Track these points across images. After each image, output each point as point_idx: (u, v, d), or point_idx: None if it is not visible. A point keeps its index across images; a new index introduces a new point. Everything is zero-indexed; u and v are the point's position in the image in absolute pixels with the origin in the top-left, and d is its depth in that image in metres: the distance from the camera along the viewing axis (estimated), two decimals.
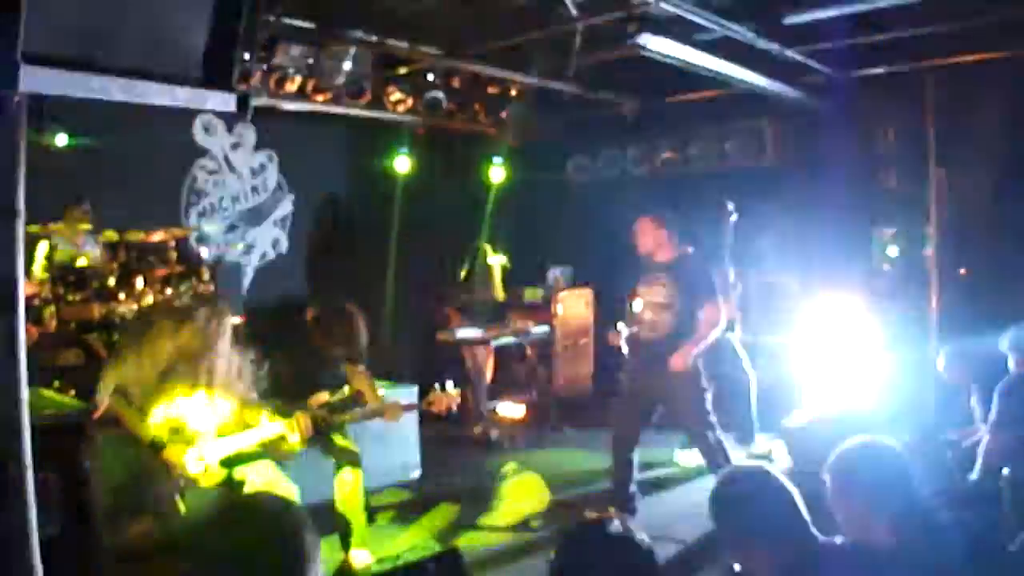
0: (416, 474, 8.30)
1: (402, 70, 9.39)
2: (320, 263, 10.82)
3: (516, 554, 6.64)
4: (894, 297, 9.69)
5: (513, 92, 10.86)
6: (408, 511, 7.38)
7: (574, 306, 11.85)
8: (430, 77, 9.97)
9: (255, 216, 10.87)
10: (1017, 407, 6.08)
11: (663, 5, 7.03)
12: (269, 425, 5.79)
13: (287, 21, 7.78)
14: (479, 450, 9.47)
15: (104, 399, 5.64)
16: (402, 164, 11.38)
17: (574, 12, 7.37)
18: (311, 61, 8.64)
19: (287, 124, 10.18)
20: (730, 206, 9.30)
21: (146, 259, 8.48)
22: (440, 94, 10.15)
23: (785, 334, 10.20)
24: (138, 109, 8.26)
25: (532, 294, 11.78)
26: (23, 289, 3.29)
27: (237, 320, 6.44)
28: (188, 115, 9.78)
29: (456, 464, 8.81)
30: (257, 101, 8.60)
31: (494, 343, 10.30)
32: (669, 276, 7.27)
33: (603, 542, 2.66)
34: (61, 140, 8.36)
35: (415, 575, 3.93)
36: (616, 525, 2.70)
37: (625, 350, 7.56)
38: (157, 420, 5.54)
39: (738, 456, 8.75)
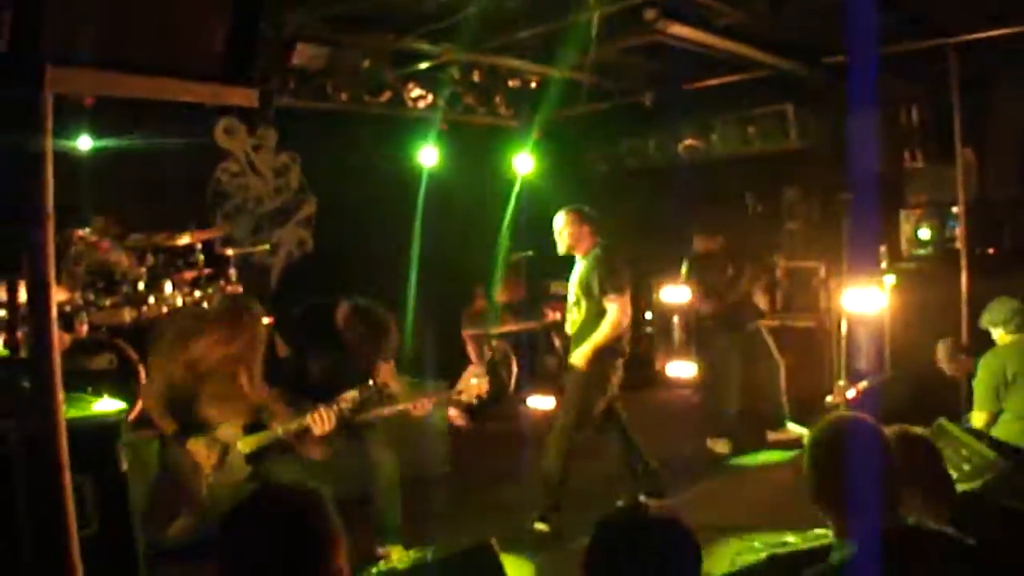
0: (446, 468, 8.31)
1: (421, 66, 9.38)
2: (345, 262, 10.84)
3: (550, 544, 6.64)
4: (924, 278, 9.63)
5: (533, 84, 10.84)
6: (440, 505, 7.38)
7: None
8: (449, 72, 9.97)
9: (280, 217, 10.91)
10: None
11: None
12: (294, 420, 5.84)
13: (305, 21, 7.78)
14: (509, 443, 9.46)
15: (143, 401, 5.70)
16: (429, 156, 11.37)
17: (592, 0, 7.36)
18: (330, 61, 8.65)
19: (308, 124, 10.21)
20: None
21: (174, 263, 8.52)
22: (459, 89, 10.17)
23: (813, 318, 10.18)
24: (161, 113, 8.36)
25: (559, 285, 11.75)
26: (54, 293, 3.30)
27: (266, 320, 6.45)
28: (210, 118, 9.82)
29: (487, 457, 8.81)
30: (278, 102, 8.63)
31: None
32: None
33: (643, 526, 2.65)
34: (85, 144, 8.39)
35: (447, 568, 3.95)
36: (656, 509, 2.69)
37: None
38: (190, 420, 5.59)
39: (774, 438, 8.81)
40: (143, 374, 7.50)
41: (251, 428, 5.84)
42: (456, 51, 8.74)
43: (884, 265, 9.71)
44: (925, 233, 9.76)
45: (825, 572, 2.94)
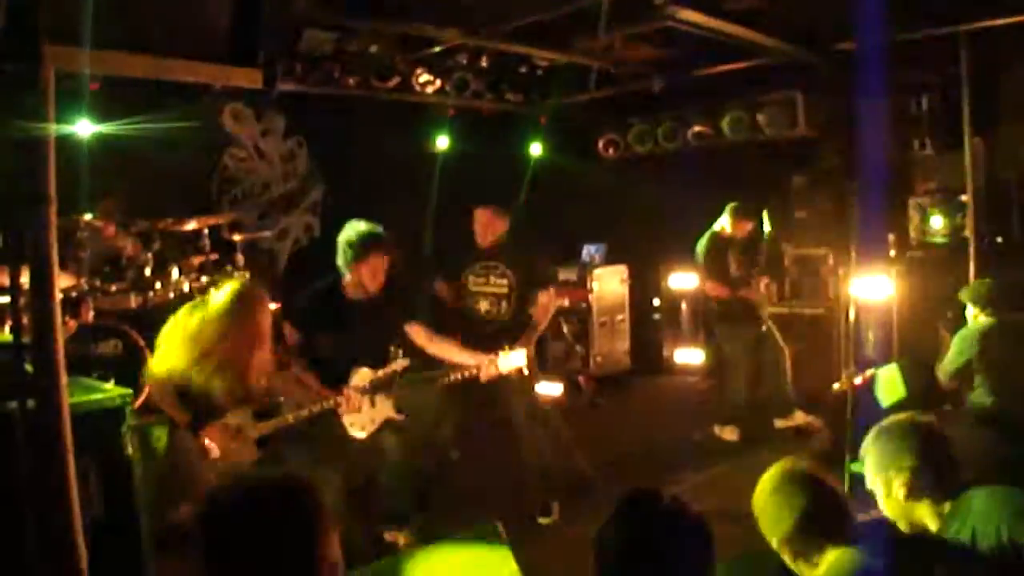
0: (455, 455, 8.30)
1: (430, 51, 9.35)
2: None
3: (559, 530, 6.63)
4: (933, 266, 9.60)
5: (541, 70, 10.80)
6: (446, 488, 7.36)
7: (609, 283, 11.81)
8: (458, 58, 9.94)
9: (287, 202, 10.89)
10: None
11: None
12: (307, 404, 5.85)
13: (313, 5, 7.75)
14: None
15: (152, 392, 5.69)
16: (440, 143, 11.40)
17: None
18: (338, 45, 8.62)
19: (316, 110, 10.18)
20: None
21: (180, 248, 8.51)
22: (468, 75, 10.14)
23: (821, 306, 10.15)
24: (167, 97, 8.33)
25: (567, 271, 11.74)
26: (57, 276, 3.29)
27: (273, 306, 6.43)
28: (217, 103, 9.80)
29: (493, 442, 8.79)
30: (285, 87, 8.60)
31: None
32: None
33: (657, 513, 2.63)
34: (82, 138, 8.31)
35: (457, 551, 3.93)
36: (668, 497, 2.68)
37: None
38: (201, 408, 5.58)
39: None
40: (150, 360, 7.48)
41: (260, 413, 5.83)
42: (465, 36, 8.70)
43: (892, 253, 9.68)
44: (937, 221, 9.70)
45: None
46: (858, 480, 3.60)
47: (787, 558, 3.18)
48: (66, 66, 2.84)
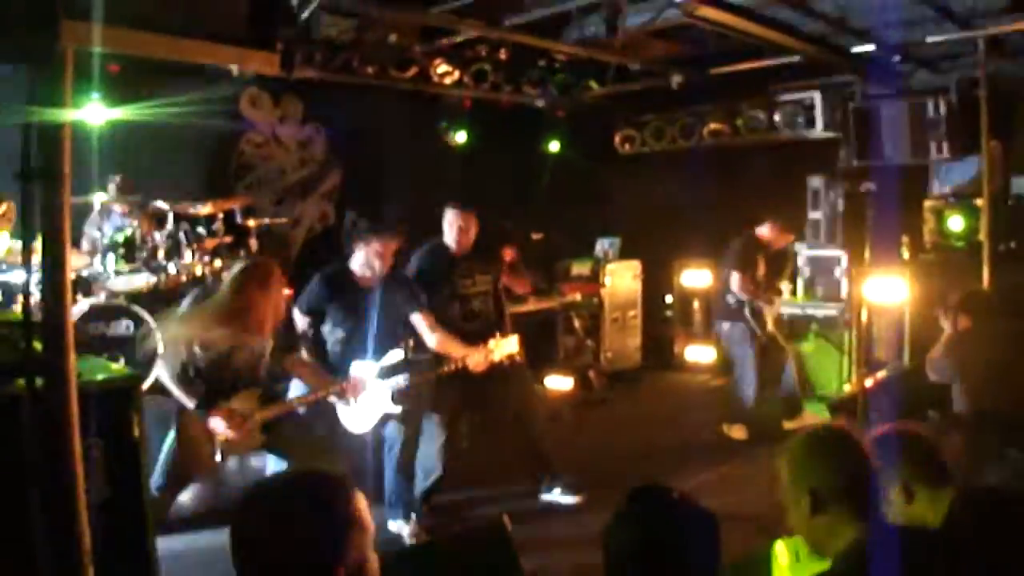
0: (464, 444, 8.30)
1: (449, 42, 9.33)
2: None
3: (566, 524, 6.63)
4: (947, 270, 9.56)
5: (559, 64, 10.79)
6: (453, 481, 7.36)
7: (623, 278, 11.79)
8: (477, 49, 9.92)
9: (302, 189, 10.90)
10: None
11: None
12: (311, 388, 5.87)
13: None
14: None
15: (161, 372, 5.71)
16: (458, 136, 11.42)
17: None
18: (357, 33, 8.61)
19: (334, 97, 10.18)
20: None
21: (195, 231, 8.52)
22: (486, 67, 10.13)
23: (833, 306, 10.13)
24: (186, 81, 8.34)
25: (580, 266, 11.73)
26: (70, 255, 3.29)
27: (286, 292, 6.44)
28: (235, 88, 9.80)
29: (502, 435, 8.79)
30: (303, 74, 8.60)
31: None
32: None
33: (666, 507, 2.63)
34: (101, 121, 8.31)
35: (462, 545, 3.93)
36: (677, 493, 2.67)
37: None
38: (209, 390, 5.59)
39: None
40: (160, 343, 7.50)
41: (267, 397, 5.85)
42: (485, 28, 8.68)
43: (906, 255, 9.65)
44: (955, 224, 9.66)
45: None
46: None
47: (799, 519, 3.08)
48: (84, 44, 2.84)
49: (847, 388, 8.93)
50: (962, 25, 8.39)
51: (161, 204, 8.37)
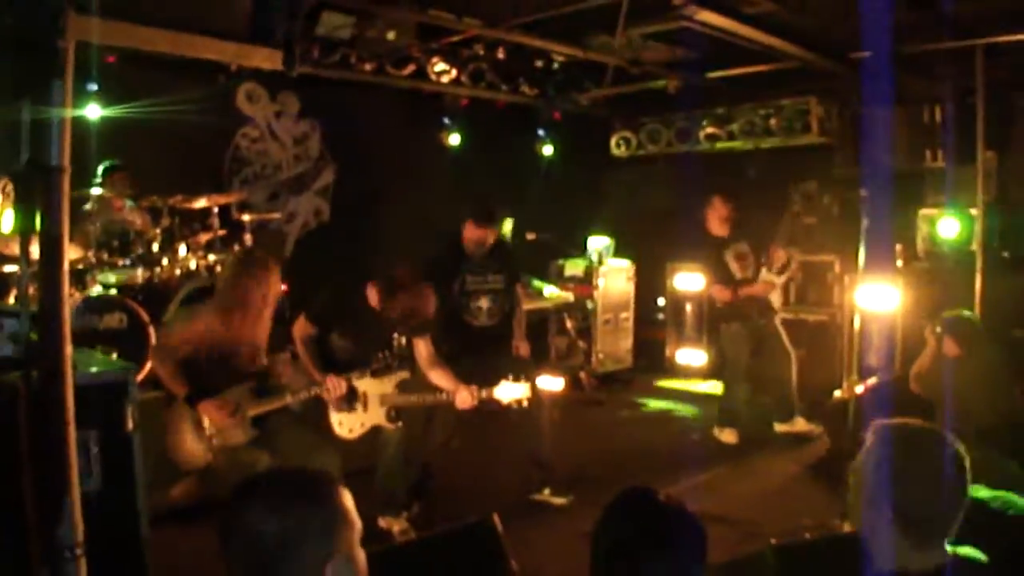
0: (455, 443, 8.31)
1: (447, 40, 9.35)
2: (361, 233, 10.80)
3: (556, 525, 6.64)
4: (939, 278, 9.59)
5: (556, 64, 10.81)
6: (445, 479, 7.37)
7: (615, 280, 11.79)
8: (474, 49, 9.94)
9: (297, 185, 10.90)
10: None
11: None
12: (305, 385, 5.87)
13: None
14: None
15: (154, 363, 5.72)
16: (453, 134, 11.45)
17: None
18: (355, 31, 8.62)
19: (330, 93, 10.20)
20: None
21: (189, 225, 8.54)
22: (483, 66, 10.16)
23: (825, 312, 10.16)
24: (183, 75, 8.35)
25: (573, 267, 11.74)
26: (67, 247, 3.30)
27: (281, 288, 6.43)
28: (232, 83, 9.81)
29: (493, 434, 8.80)
30: (301, 70, 8.61)
31: None
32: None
33: (651, 511, 2.63)
34: (96, 113, 8.36)
35: (451, 542, 3.94)
36: (663, 495, 2.68)
37: None
38: (200, 383, 5.60)
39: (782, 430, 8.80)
40: (153, 335, 7.51)
41: (259, 392, 5.85)
42: (482, 27, 8.70)
43: (900, 263, 9.68)
44: (945, 232, 9.68)
45: None
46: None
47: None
48: (87, 39, 2.85)
49: (838, 394, 8.93)
50: (959, 34, 8.43)
51: (156, 198, 8.38)
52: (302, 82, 9.45)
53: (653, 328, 12.38)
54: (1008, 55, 8.71)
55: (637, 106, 12.09)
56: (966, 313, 7.18)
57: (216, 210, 8.75)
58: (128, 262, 8.08)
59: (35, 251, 3.40)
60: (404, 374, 6.20)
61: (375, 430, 6.20)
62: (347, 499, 2.41)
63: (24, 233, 3.44)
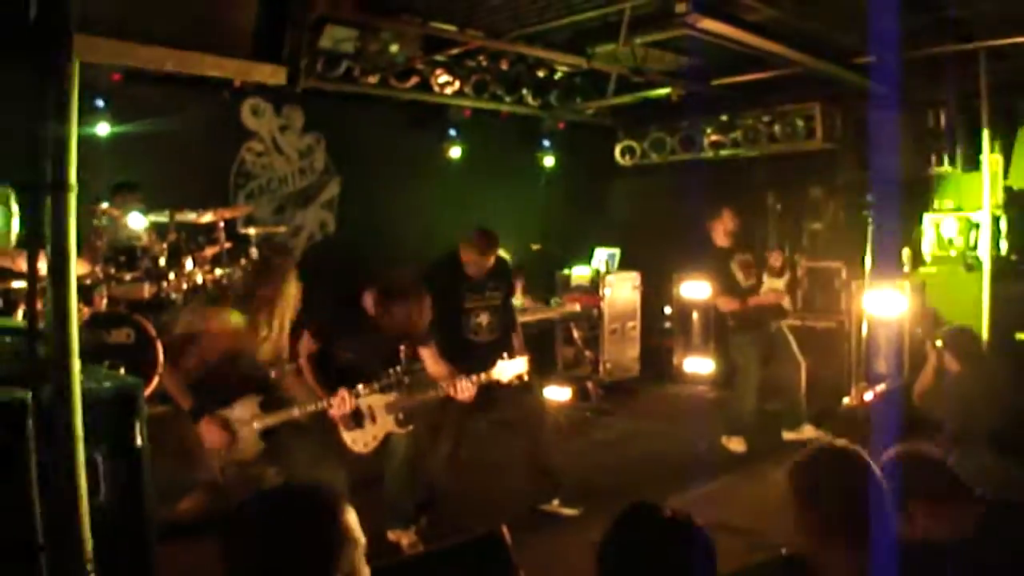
0: (463, 454, 8.30)
1: (450, 52, 9.37)
2: (367, 246, 10.80)
3: (565, 535, 6.63)
4: (947, 283, 9.58)
5: (559, 75, 10.83)
6: (452, 490, 7.36)
7: (622, 289, 11.79)
8: (477, 60, 9.96)
9: (303, 198, 10.91)
10: None
11: None
12: (311, 399, 5.86)
13: (335, 3, 7.76)
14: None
15: (162, 377, 5.73)
16: (455, 149, 11.46)
17: None
18: (359, 43, 8.64)
19: (335, 106, 10.22)
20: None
21: (195, 239, 8.55)
22: (487, 77, 10.18)
23: (833, 319, 10.14)
24: (188, 91, 8.36)
25: (580, 277, 11.74)
26: (75, 263, 3.31)
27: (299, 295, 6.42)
28: (236, 97, 9.84)
29: (500, 445, 8.79)
30: (305, 83, 8.62)
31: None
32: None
33: (658, 524, 2.63)
34: (103, 129, 8.42)
35: (460, 555, 3.93)
36: (669, 509, 2.67)
37: None
38: (208, 396, 5.61)
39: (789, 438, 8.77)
40: (161, 350, 7.51)
41: (267, 405, 5.85)
42: (485, 38, 8.71)
43: (907, 268, 9.67)
44: (952, 238, 9.68)
45: None
46: None
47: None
48: (95, 58, 2.86)
49: (847, 401, 8.92)
50: (963, 38, 8.42)
51: (162, 213, 8.39)
52: (306, 96, 9.47)
53: (660, 337, 12.37)
54: (1012, 58, 8.70)
55: (641, 115, 12.11)
56: (965, 327, 7.16)
57: (222, 224, 8.75)
58: (135, 277, 8.09)
59: (43, 267, 3.41)
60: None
61: (386, 438, 6.21)
62: (350, 517, 2.41)
63: (32, 249, 3.45)
